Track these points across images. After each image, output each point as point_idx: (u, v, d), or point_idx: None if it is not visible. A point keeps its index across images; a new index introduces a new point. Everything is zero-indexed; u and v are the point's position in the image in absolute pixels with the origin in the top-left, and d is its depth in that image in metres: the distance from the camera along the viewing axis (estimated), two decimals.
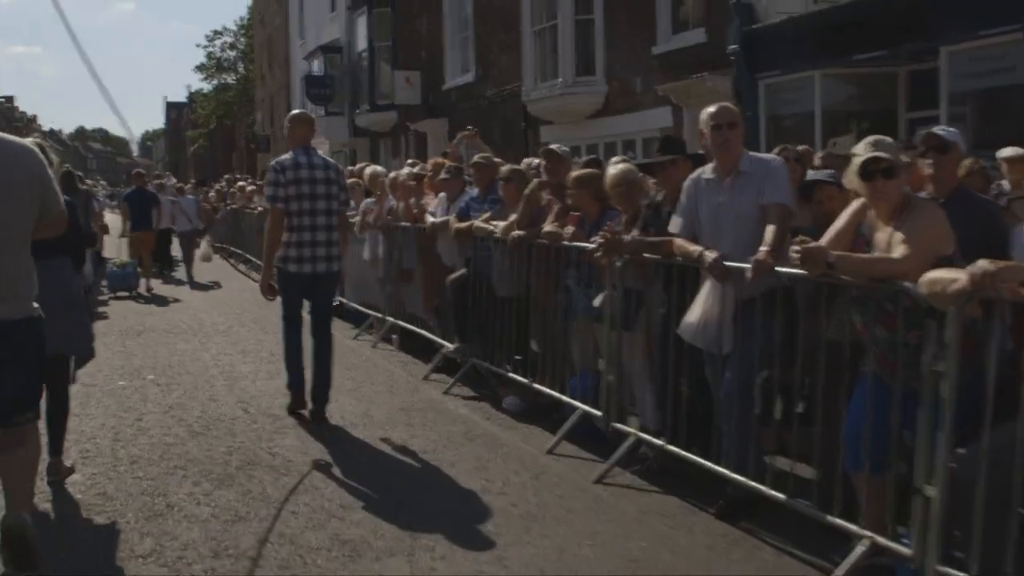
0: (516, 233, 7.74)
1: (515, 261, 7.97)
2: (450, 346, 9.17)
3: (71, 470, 6.23)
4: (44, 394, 5.63)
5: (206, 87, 73.09)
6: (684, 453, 5.87)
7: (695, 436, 5.86)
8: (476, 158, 9.12)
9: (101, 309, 15.20)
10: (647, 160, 6.29)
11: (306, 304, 7.93)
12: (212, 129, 74.18)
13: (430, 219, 9.75)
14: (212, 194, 30.38)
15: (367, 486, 6.09)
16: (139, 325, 12.97)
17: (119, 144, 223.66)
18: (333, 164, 7.84)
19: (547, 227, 7.41)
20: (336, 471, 6.41)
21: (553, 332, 7.54)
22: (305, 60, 40.13)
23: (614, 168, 6.90)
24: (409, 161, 14.13)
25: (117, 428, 7.47)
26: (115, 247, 19.40)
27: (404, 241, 10.73)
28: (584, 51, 20.04)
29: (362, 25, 32.35)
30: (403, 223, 10.54)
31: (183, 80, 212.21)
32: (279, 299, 7.75)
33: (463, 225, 8.81)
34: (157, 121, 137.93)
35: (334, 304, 11.25)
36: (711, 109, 5.78)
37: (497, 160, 9.40)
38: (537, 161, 8.85)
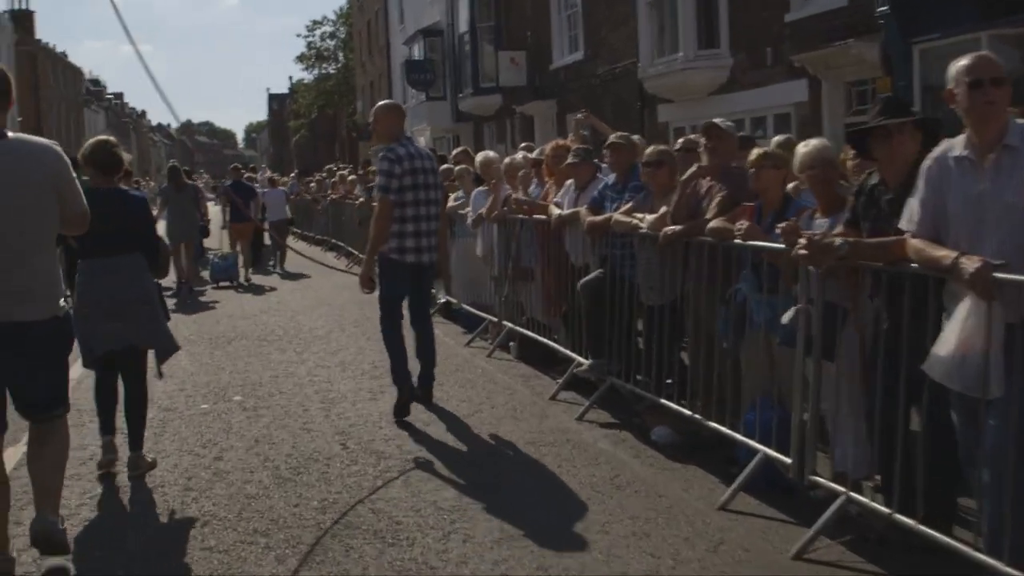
0: (670, 228, 6.28)
1: (667, 261, 6.51)
2: (582, 361, 7.75)
3: (152, 464, 6.26)
4: (121, 388, 6.29)
5: (307, 77, 73.07)
6: (923, 529, 4.36)
7: (932, 502, 4.36)
8: (612, 138, 7.65)
9: (204, 299, 15.57)
10: (863, 126, 4.76)
11: None
12: (313, 119, 74.10)
13: (556, 211, 8.32)
14: (313, 185, 29.46)
15: (498, 567, 4.71)
16: (231, 331, 11.83)
17: (225, 137, 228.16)
18: (429, 154, 7.79)
19: (713, 221, 5.92)
20: (455, 541, 5.01)
21: (719, 351, 6.07)
22: (405, 45, 39.04)
23: (806, 145, 5.41)
24: (523, 145, 12.75)
25: (191, 471, 6.24)
26: (216, 238, 20.21)
27: (524, 236, 9.34)
28: (706, 21, 18.40)
29: (464, 6, 31.09)
30: (522, 215, 9.16)
31: (286, 72, 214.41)
32: (381, 290, 7.59)
33: (598, 218, 7.39)
34: (261, 113, 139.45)
35: (441, 302, 11.68)
36: (965, 61, 4.14)
37: (635, 138, 7.95)
38: (681, 142, 7.39)
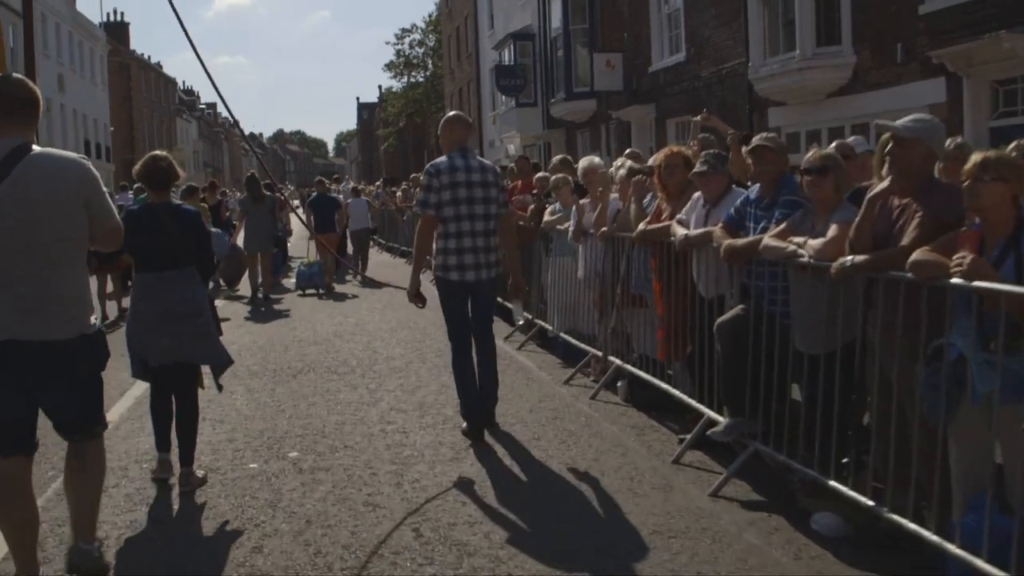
0: (850, 260, 4.73)
1: (841, 300, 4.96)
2: (714, 417, 6.24)
3: (203, 480, 6.23)
4: (173, 403, 6.26)
5: (396, 86, 72.78)
6: None
7: None
8: (758, 140, 6.08)
9: (279, 308, 15.77)
10: None
11: None
12: (402, 127, 73.71)
13: (680, 230, 6.80)
14: (399, 194, 28.32)
15: None
16: (299, 360, 10.52)
17: (315, 146, 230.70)
18: (490, 166, 7.41)
19: (918, 252, 4.35)
20: None
21: (916, 423, 4.51)
22: (495, 50, 37.74)
23: None
24: (628, 152, 11.25)
25: (219, 564, 4.87)
26: (302, 247, 21.02)
27: (636, 257, 7.85)
28: (826, 16, 16.71)
29: (556, 8, 29.59)
30: (632, 233, 7.68)
31: (375, 81, 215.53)
32: (443, 313, 7.35)
33: (741, 242, 5.88)
34: (351, 122, 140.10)
35: (519, 324, 11.06)
36: None
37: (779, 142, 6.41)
38: (835, 147, 5.83)
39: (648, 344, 7.91)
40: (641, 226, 7.45)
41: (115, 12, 72.42)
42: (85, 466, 4.59)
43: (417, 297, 7.22)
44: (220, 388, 6.57)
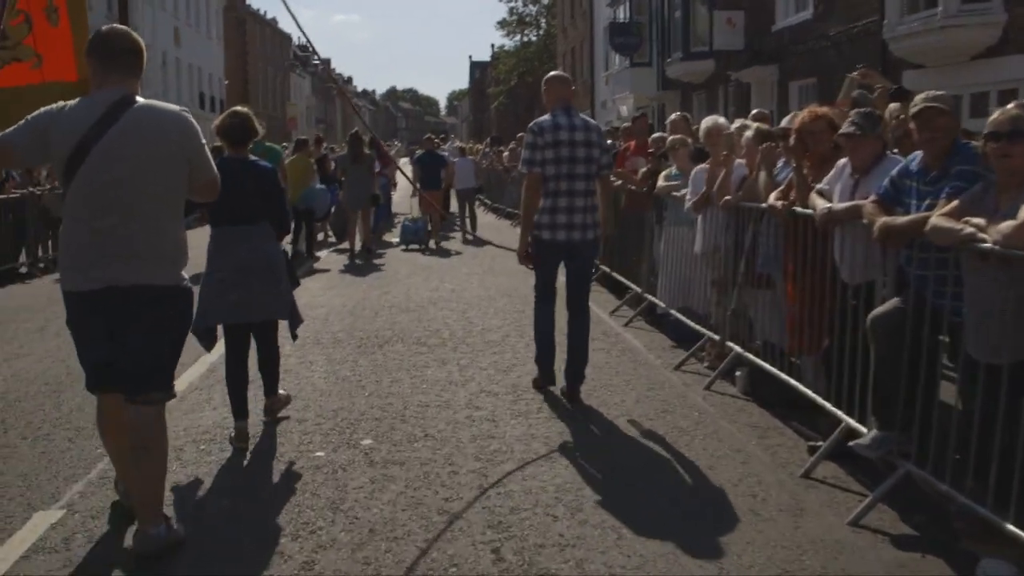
0: None
1: None
2: (855, 427, 5.27)
3: (287, 398, 6.78)
4: (247, 369, 6.27)
5: (508, 44, 72.16)
6: None
7: None
8: (923, 100, 5.00)
9: (379, 262, 16.12)
10: None
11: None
12: (513, 86, 72.90)
13: (819, 202, 5.79)
14: (506, 154, 27.45)
15: None
16: (387, 329, 9.81)
17: (427, 104, 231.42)
18: (594, 125, 7.21)
19: None
20: None
21: None
22: (609, 7, 36.58)
23: None
24: (755, 112, 10.21)
25: None
26: (407, 204, 22.03)
27: (765, 230, 6.87)
28: None
29: None
30: (762, 203, 6.70)
31: (488, 40, 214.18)
32: (535, 271, 7.26)
33: (901, 220, 4.86)
34: (463, 81, 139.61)
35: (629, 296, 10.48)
36: None
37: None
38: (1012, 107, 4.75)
39: (774, 331, 6.93)
40: (774, 198, 6.45)
41: None
42: (144, 442, 4.41)
43: (527, 258, 7.16)
44: (295, 337, 6.71)
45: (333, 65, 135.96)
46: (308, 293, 11.71)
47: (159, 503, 4.51)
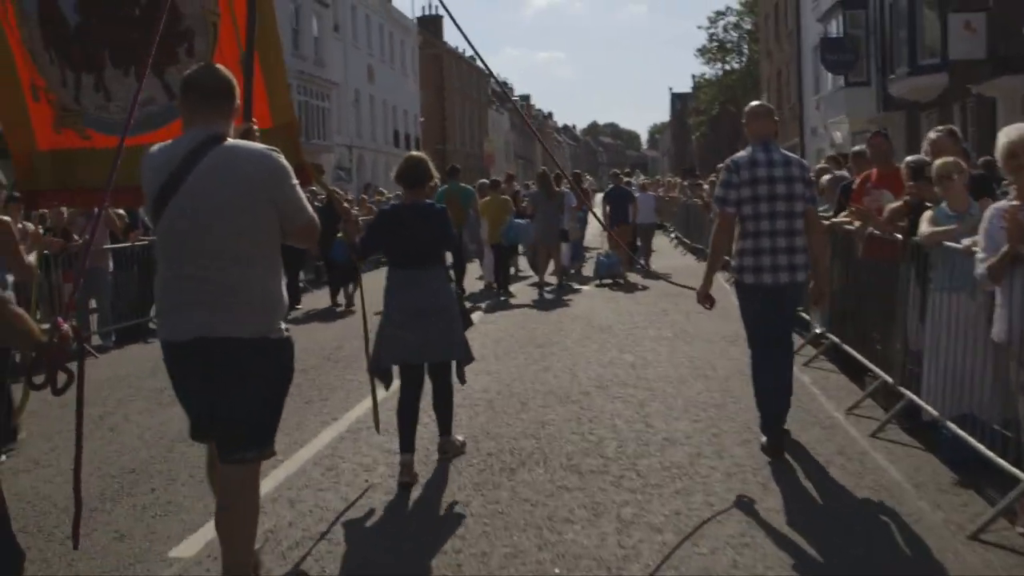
0: None
1: None
2: None
3: (462, 446, 6.71)
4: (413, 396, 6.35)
5: (708, 72, 69.81)
6: None
7: None
8: None
9: (568, 297, 16.46)
10: None
11: None
12: (714, 116, 70.14)
13: None
14: (705, 187, 24.52)
15: None
16: (532, 436, 7.11)
17: (628, 138, 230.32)
18: (795, 159, 6.64)
19: None
20: None
21: None
22: (820, 22, 33.20)
23: None
24: None
25: None
26: (599, 239, 22.51)
27: None
28: None
29: None
30: None
31: (689, 71, 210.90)
32: (742, 317, 6.74)
33: None
34: (664, 114, 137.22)
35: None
36: None
37: None
38: None
39: None
40: None
41: (430, 6, 72.51)
42: (229, 503, 4.19)
43: (706, 298, 6.77)
44: (463, 381, 6.81)
45: (534, 101, 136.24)
46: None
47: (248, 562, 4.28)
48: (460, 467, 6.39)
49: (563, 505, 5.55)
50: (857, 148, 10.34)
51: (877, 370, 7.70)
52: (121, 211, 13.53)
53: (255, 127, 4.79)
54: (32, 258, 7.16)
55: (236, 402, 4.12)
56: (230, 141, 4.19)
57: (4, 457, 7.00)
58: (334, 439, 7.31)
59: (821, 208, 10.76)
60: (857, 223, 8.17)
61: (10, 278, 7.14)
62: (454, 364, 6.57)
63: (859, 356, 8.25)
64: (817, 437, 6.83)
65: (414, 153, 6.52)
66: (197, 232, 4.06)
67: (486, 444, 6.91)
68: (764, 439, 6.53)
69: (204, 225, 4.06)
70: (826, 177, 11.11)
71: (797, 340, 9.88)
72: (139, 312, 13.96)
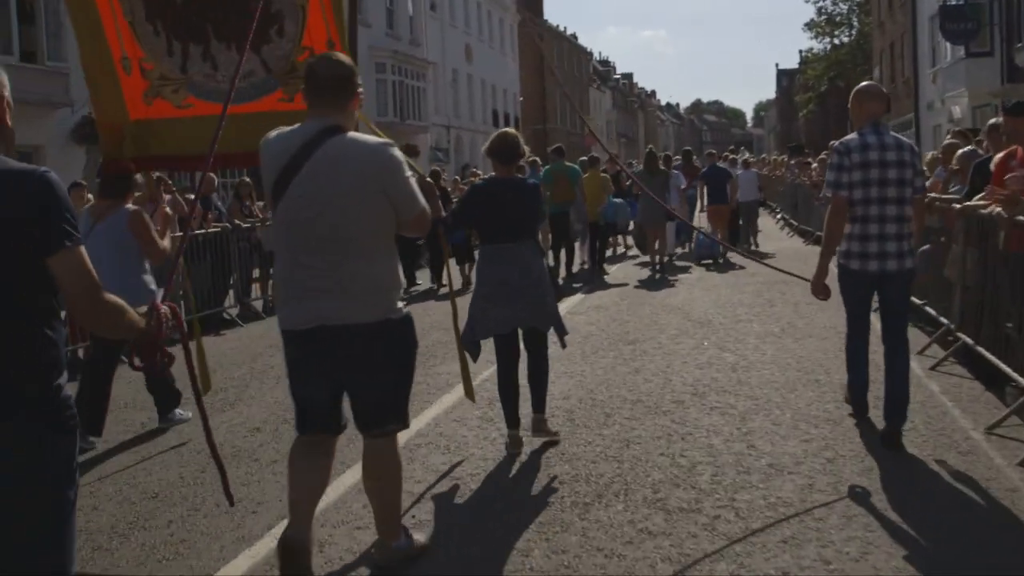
0: None
1: None
2: None
3: (555, 436, 6.51)
4: (524, 360, 6.49)
5: (816, 46, 67.69)
6: None
7: None
8: None
9: (673, 278, 16.35)
10: None
11: None
12: (823, 92, 67.82)
13: None
14: (815, 166, 23.13)
15: None
16: (614, 458, 6.15)
17: (733, 116, 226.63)
18: (907, 144, 6.41)
19: None
20: None
21: None
22: None
23: None
24: None
25: None
26: (697, 219, 21.65)
27: None
28: None
29: None
30: None
31: (797, 46, 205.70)
32: (844, 305, 6.57)
33: None
34: (769, 91, 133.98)
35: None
36: None
37: None
38: None
39: None
40: None
41: None
42: (378, 473, 4.47)
43: (821, 289, 6.49)
44: (564, 345, 6.83)
45: (636, 79, 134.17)
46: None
47: (398, 520, 4.59)
48: (525, 497, 5.46)
49: (643, 557, 4.55)
50: (993, 121, 9.08)
51: (1022, 381, 6.58)
52: (191, 196, 12.92)
53: None
54: (167, 242, 7.46)
55: (369, 384, 4.32)
56: (347, 133, 4.25)
57: (92, 441, 6.99)
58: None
59: (952, 189, 9.57)
60: (997, 208, 7.01)
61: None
62: (550, 335, 6.57)
63: (998, 362, 7.10)
64: (955, 466, 5.69)
65: (506, 130, 6.48)
66: (312, 220, 4.16)
67: (559, 467, 5.96)
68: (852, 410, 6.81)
69: (319, 213, 4.15)
70: (960, 151, 9.73)
71: (922, 337, 9.07)
72: (212, 303, 13.35)
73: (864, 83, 6.78)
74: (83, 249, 2.80)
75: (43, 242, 2.71)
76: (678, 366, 8.82)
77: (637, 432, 6.67)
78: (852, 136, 6.38)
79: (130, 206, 7.27)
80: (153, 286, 7.18)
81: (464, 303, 6.34)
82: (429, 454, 6.41)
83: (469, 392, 6.52)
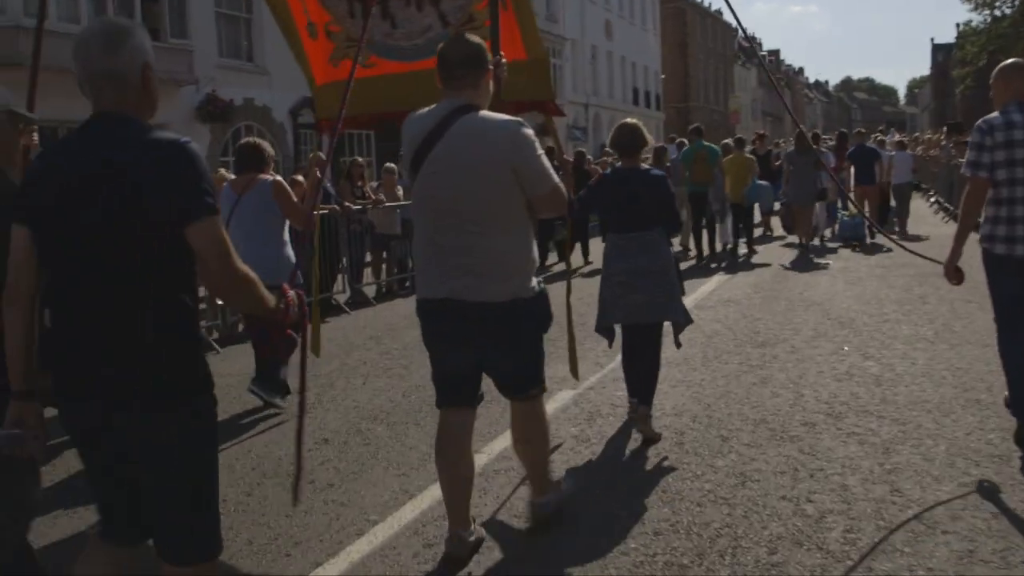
0: None
1: None
2: None
3: (657, 436, 6.26)
4: (635, 354, 6.43)
5: (975, 19, 64.33)
6: None
7: None
8: None
9: (820, 260, 15.82)
10: None
11: None
12: (981, 68, 64.40)
13: None
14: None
15: None
16: (726, 507, 5.18)
17: (885, 93, 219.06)
18: None
19: None
20: None
21: None
22: None
23: None
24: None
25: None
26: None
27: None
28: None
29: None
30: None
31: (953, 19, 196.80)
32: (989, 291, 6.03)
33: None
34: (924, 67, 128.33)
35: None
36: None
37: None
38: None
39: None
40: None
41: None
42: (524, 434, 4.63)
43: (954, 272, 6.01)
44: (679, 345, 6.70)
45: (783, 56, 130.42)
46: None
47: (547, 477, 4.77)
48: (608, 555, 4.50)
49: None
50: None
51: None
52: (300, 177, 12.32)
53: (503, 60, 5.22)
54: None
55: (504, 359, 4.40)
56: (479, 112, 4.29)
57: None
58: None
59: None
60: None
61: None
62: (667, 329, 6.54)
63: None
64: None
65: (628, 120, 6.53)
66: (445, 198, 4.22)
67: (656, 511, 4.98)
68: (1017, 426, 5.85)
69: (451, 190, 4.20)
70: None
71: None
72: (321, 287, 12.75)
73: (1011, 60, 6.29)
74: (219, 219, 2.87)
75: (183, 211, 2.77)
76: (812, 377, 7.71)
77: (757, 464, 5.63)
78: (996, 115, 5.92)
79: (270, 175, 7.46)
80: (293, 259, 7.30)
81: (588, 289, 6.14)
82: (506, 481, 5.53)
83: (574, 370, 6.45)
